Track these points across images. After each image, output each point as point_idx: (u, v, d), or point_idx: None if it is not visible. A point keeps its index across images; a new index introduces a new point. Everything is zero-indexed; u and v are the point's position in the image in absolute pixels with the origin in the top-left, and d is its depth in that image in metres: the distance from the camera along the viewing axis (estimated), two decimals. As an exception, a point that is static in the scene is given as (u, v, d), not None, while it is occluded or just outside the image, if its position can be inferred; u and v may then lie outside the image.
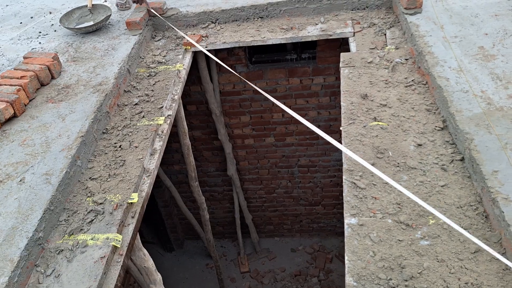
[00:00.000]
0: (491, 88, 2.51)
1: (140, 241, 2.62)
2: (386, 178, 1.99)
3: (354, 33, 3.64)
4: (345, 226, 2.09)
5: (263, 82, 5.13)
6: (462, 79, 2.62)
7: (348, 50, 3.63)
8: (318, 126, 5.52)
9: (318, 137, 5.61)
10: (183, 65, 3.64)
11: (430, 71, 2.77)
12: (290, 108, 5.35)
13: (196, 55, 4.23)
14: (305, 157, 5.85)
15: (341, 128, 2.71)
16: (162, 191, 6.11)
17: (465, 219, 2.01)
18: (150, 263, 2.68)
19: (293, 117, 5.40)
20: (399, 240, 1.97)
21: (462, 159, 2.29)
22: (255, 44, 3.79)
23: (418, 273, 1.83)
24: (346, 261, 1.93)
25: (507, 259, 1.82)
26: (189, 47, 3.78)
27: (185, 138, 4.06)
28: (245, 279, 6.44)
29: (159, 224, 6.55)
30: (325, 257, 6.46)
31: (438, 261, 1.86)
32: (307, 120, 5.53)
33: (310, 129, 5.85)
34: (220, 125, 5.38)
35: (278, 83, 5.12)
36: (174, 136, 4.64)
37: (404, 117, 2.65)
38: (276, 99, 5.24)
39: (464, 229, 1.96)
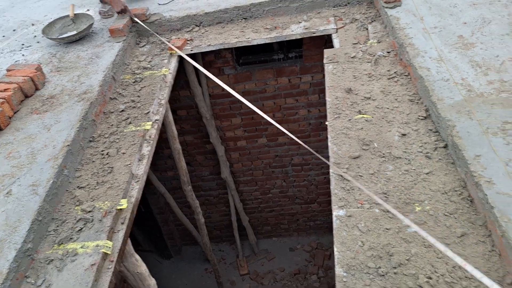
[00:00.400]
0: (471, 76, 2.54)
1: (131, 247, 2.61)
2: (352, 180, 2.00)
3: (337, 29, 3.67)
4: (334, 218, 2.10)
5: (251, 83, 5.14)
6: (442, 68, 2.64)
7: (332, 47, 3.65)
8: (309, 124, 5.55)
9: (310, 135, 5.63)
10: (169, 69, 3.64)
11: (411, 62, 2.79)
12: (280, 108, 5.41)
13: (183, 59, 4.23)
14: (298, 155, 5.86)
15: (326, 123, 2.72)
16: (157, 198, 6.09)
17: (451, 204, 2.02)
18: (143, 268, 2.66)
19: (284, 117, 5.45)
20: (387, 229, 1.98)
21: (446, 146, 2.31)
22: (240, 45, 3.80)
23: (406, 259, 1.84)
24: (335, 253, 1.94)
25: (493, 240, 1.83)
26: (174, 52, 3.79)
27: (175, 142, 4.05)
28: (245, 281, 6.43)
29: (155, 231, 6.52)
30: (323, 254, 6.47)
31: (425, 247, 1.87)
32: (298, 119, 5.57)
33: (301, 127, 5.87)
34: (212, 128, 5.38)
35: (267, 83, 5.14)
36: (166, 142, 4.64)
37: (388, 108, 2.67)
38: (266, 100, 5.31)
39: (450, 214, 1.98)
